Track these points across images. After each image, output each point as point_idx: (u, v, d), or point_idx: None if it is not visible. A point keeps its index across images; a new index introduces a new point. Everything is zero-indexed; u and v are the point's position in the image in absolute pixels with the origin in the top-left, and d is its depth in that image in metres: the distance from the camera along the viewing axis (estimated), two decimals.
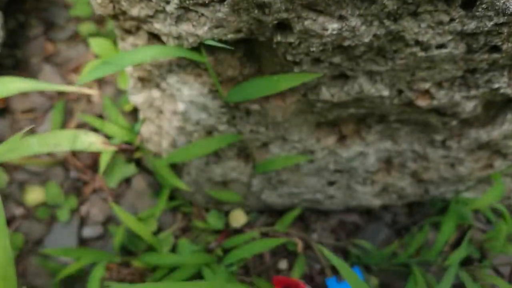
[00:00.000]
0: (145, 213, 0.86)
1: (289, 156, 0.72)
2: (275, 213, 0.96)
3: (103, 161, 0.72)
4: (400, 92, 0.60)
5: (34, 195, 0.89)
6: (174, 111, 0.69)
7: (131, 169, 0.87)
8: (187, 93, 0.63)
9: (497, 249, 0.83)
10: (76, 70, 1.08)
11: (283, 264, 0.91)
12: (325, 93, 0.59)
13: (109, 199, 0.90)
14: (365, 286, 0.57)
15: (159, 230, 0.89)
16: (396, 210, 0.96)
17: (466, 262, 0.88)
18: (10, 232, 0.87)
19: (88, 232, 0.89)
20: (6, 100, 1.00)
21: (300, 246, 0.88)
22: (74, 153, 0.99)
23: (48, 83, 0.63)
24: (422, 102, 0.61)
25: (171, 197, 0.92)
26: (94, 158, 0.98)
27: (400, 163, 0.80)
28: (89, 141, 0.61)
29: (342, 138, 0.74)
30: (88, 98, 1.04)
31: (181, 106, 0.66)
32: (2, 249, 0.39)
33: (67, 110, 1.01)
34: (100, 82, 1.05)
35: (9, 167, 0.95)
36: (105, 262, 0.76)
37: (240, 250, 0.75)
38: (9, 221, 0.90)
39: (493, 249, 0.84)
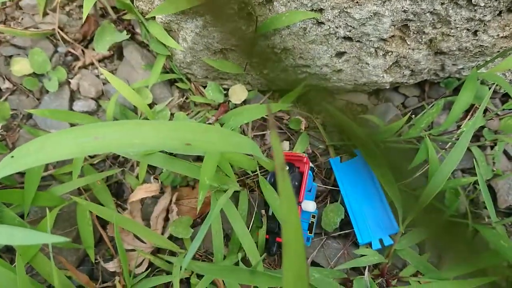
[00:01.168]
0: (138, 84, 0.80)
1: (294, 12, 0.64)
2: (279, 92, 0.91)
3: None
4: None
5: (20, 66, 0.82)
6: None
7: (122, 35, 0.79)
8: None
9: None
10: None
11: (284, 146, 0.87)
12: None
13: (99, 66, 0.84)
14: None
15: (154, 105, 0.84)
16: (407, 92, 0.90)
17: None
18: None
19: (79, 106, 0.84)
20: None
21: (303, 123, 0.83)
22: (62, 28, 0.91)
23: None
24: None
25: (167, 72, 0.86)
26: (84, 32, 0.91)
27: (417, 28, 0.72)
28: None
29: None
30: None
31: None
32: None
33: None
34: None
35: None
36: None
37: (240, 116, 0.70)
38: None
39: (507, 129, 0.79)
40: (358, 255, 0.74)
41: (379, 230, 0.74)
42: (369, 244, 0.76)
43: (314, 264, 0.80)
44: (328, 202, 0.83)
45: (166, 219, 0.81)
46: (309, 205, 0.72)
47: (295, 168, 0.76)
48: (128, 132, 0.44)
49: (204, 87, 0.84)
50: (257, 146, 0.51)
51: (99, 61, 0.91)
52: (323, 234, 0.80)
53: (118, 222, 0.64)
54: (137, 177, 0.81)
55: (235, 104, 0.84)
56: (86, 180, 0.69)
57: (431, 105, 0.86)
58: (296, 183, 0.75)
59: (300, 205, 0.73)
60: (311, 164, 0.78)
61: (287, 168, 0.76)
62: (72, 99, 0.86)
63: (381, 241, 0.74)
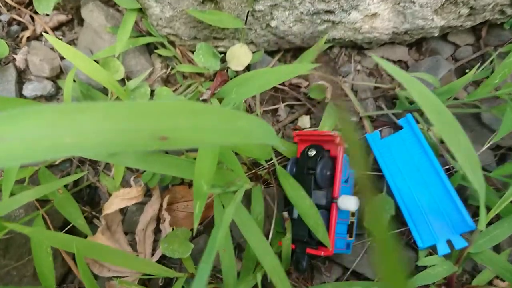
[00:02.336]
0: (101, 53, 0.59)
1: None
2: (291, 52, 0.69)
3: None
4: None
5: None
6: None
7: None
8: None
9: None
10: None
11: (304, 121, 0.67)
12: None
13: (51, 34, 0.62)
14: (431, 96, 0.35)
15: (129, 79, 0.63)
16: (457, 40, 0.69)
17: None
18: None
19: (31, 89, 0.63)
20: None
21: (329, 91, 0.63)
22: None
23: None
24: None
25: (142, 35, 0.64)
26: None
27: None
28: None
29: None
30: None
31: None
32: None
33: None
34: None
35: None
36: None
37: (244, 86, 0.50)
38: None
39: None
40: (418, 267, 0.55)
41: (446, 229, 0.54)
42: (430, 248, 0.57)
43: (356, 274, 0.61)
44: None
45: (157, 230, 0.62)
46: (350, 202, 0.52)
47: (325, 152, 0.56)
48: (52, 127, 0.24)
49: (193, 52, 0.63)
50: (273, 130, 0.31)
51: (55, 29, 0.69)
52: (366, 235, 0.61)
53: (84, 252, 0.45)
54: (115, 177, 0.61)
55: (236, 72, 0.63)
56: (37, 192, 0.49)
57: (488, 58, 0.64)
58: (328, 173, 0.55)
59: (336, 203, 0.54)
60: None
61: (314, 152, 0.56)
62: (21, 81, 0.65)
63: (449, 243, 0.54)
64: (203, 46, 0.59)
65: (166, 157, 0.47)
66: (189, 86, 0.64)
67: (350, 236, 0.58)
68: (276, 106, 0.67)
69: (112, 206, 0.54)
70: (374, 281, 0.58)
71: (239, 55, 0.61)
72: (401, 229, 0.59)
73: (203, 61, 0.58)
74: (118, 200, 0.54)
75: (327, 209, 0.54)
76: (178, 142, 0.26)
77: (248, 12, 0.56)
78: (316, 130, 0.62)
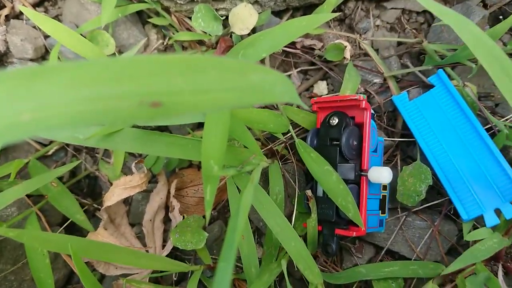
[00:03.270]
0: (87, 25, 0.52)
1: None
2: (301, 10, 0.62)
3: None
4: None
5: None
6: None
7: None
8: None
9: None
10: None
11: (321, 88, 0.60)
12: None
13: (32, 10, 0.55)
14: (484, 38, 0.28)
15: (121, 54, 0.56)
16: None
17: None
18: None
19: None
20: None
21: (348, 50, 0.55)
22: None
23: None
24: None
25: (132, 3, 0.57)
26: None
27: None
28: None
29: None
30: None
31: None
32: None
33: None
34: None
35: None
36: None
37: (253, 47, 0.43)
38: None
39: None
40: (465, 243, 0.49)
41: (493, 197, 0.47)
42: (474, 219, 0.50)
43: (391, 254, 0.55)
44: (399, 161, 0.56)
45: (167, 219, 0.56)
46: (382, 174, 0.45)
47: (349, 119, 0.49)
48: (5, 101, 0.18)
49: (191, 18, 0.55)
50: (293, 85, 0.24)
51: (35, 5, 0.62)
52: (399, 209, 0.54)
53: (82, 252, 0.39)
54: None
55: (241, 37, 0.56)
56: (27, 187, 0.42)
57: None
58: (355, 142, 0.48)
59: (366, 176, 0.47)
60: (372, 110, 0.50)
61: (337, 120, 0.49)
62: (2, 65, 0.58)
63: (498, 212, 0.47)
64: (202, 8, 0.51)
65: (169, 137, 0.40)
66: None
67: (383, 212, 0.51)
68: (289, 73, 0.60)
69: (112, 197, 0.47)
70: (412, 260, 0.52)
71: (243, 17, 0.53)
72: (439, 200, 0.53)
73: (203, 25, 0.51)
74: (119, 190, 0.47)
75: (356, 183, 0.48)
76: (175, 108, 0.19)
77: None
78: (337, 95, 0.55)
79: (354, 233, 0.46)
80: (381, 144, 0.52)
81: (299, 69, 0.60)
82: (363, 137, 0.48)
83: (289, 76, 0.61)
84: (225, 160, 0.42)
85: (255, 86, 0.21)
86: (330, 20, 0.61)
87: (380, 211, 0.51)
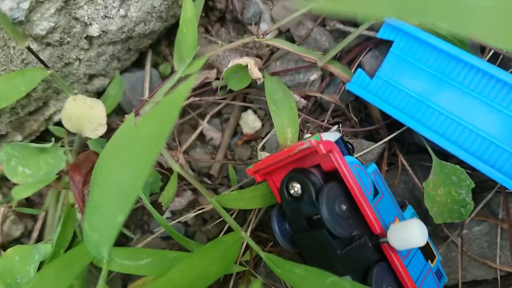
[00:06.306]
0: None
1: None
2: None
3: None
4: None
5: None
6: None
7: None
8: None
9: None
10: None
11: (250, 122, 0.41)
12: None
13: None
14: None
15: None
16: None
17: None
18: None
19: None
20: None
21: (253, 69, 0.36)
22: None
23: None
24: None
25: None
26: None
27: None
28: None
29: None
30: None
31: None
32: None
33: None
34: None
35: None
36: None
37: None
38: None
39: None
40: None
41: None
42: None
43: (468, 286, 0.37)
44: (402, 159, 0.38)
45: None
46: (410, 233, 0.27)
47: (314, 177, 0.30)
48: None
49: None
50: None
51: None
52: (444, 229, 0.36)
53: None
54: None
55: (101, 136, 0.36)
56: None
57: None
58: (344, 206, 0.30)
59: (386, 242, 0.29)
60: (346, 139, 0.32)
61: (299, 187, 0.30)
62: None
63: None
64: (12, 149, 0.31)
65: None
66: None
67: (432, 259, 0.33)
68: (199, 129, 0.41)
69: None
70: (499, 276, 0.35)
71: (84, 113, 0.33)
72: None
73: (30, 173, 0.31)
74: None
75: (380, 259, 0.30)
76: None
77: None
78: (280, 150, 0.34)
79: None
80: (377, 174, 0.33)
81: (208, 116, 0.41)
82: (350, 191, 0.29)
83: (201, 132, 0.41)
84: None
85: None
86: (211, 22, 0.41)
87: (429, 260, 0.33)
